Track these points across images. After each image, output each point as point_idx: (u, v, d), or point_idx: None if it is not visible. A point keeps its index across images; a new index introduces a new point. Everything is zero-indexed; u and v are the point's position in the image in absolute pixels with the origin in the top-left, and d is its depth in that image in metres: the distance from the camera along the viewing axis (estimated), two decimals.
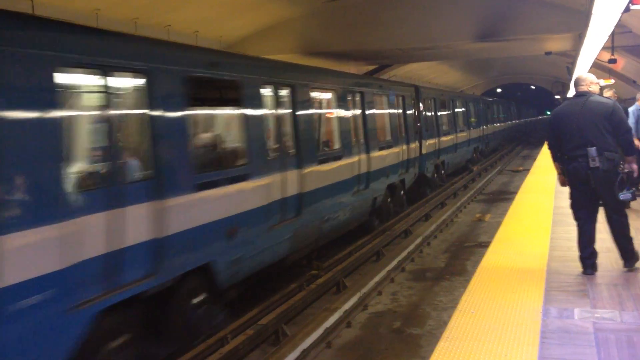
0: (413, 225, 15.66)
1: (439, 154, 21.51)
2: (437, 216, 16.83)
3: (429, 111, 20.84)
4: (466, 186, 23.63)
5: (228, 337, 7.74)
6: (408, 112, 17.98)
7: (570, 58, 22.07)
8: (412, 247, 13.01)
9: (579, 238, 7.04)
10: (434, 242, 14.40)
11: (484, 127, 33.75)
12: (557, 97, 53.66)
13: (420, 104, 19.58)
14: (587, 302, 6.03)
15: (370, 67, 25.81)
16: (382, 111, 15.78)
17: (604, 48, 14.32)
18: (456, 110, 26.04)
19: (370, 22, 17.29)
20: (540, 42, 19.74)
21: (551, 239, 8.77)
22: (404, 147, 16.96)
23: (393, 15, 17.16)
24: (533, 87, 68.23)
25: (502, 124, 43.43)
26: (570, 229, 9.21)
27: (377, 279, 10.59)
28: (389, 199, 15.70)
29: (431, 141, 20.21)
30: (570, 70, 23.00)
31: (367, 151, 13.74)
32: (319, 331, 8.06)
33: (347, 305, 9.07)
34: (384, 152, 14.94)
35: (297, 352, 7.41)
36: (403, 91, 18.17)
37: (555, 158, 7.27)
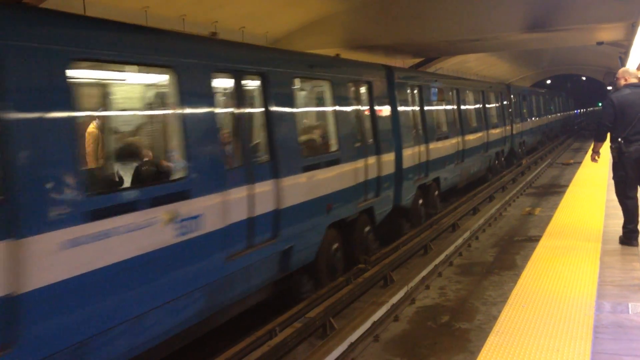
0: (461, 219, 15.51)
1: (522, 135, 29.37)
2: (486, 210, 16.62)
3: (515, 102, 28.05)
4: (515, 179, 23.27)
5: (276, 329, 7.80)
6: (505, 102, 25.57)
7: (623, 48, 21.47)
8: (460, 241, 12.89)
9: (629, 215, 7.73)
10: (482, 236, 14.24)
11: (549, 116, 41.07)
12: (609, 88, 52.40)
13: (512, 97, 27.10)
14: None
15: (417, 60, 25.59)
16: (492, 104, 23.45)
17: None
18: (532, 101, 33.07)
19: (416, 15, 17.13)
20: (591, 32, 19.24)
21: (604, 232, 8.58)
22: (504, 128, 24.84)
23: (439, 7, 16.97)
24: (584, 78, 66.63)
25: (560, 114, 49.12)
26: None
27: (424, 273, 10.53)
28: (496, 162, 23.77)
29: (517, 125, 27.89)
30: (623, 61, 22.39)
31: (488, 129, 21.66)
32: (367, 324, 8.06)
33: (394, 299, 9.06)
34: (494, 131, 22.67)
35: (344, 345, 7.43)
36: (501, 89, 25.84)
37: (603, 139, 7.98)
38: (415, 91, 14.76)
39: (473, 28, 17.30)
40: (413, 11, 17.07)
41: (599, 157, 8.24)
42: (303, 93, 10.61)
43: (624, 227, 7.84)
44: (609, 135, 7.90)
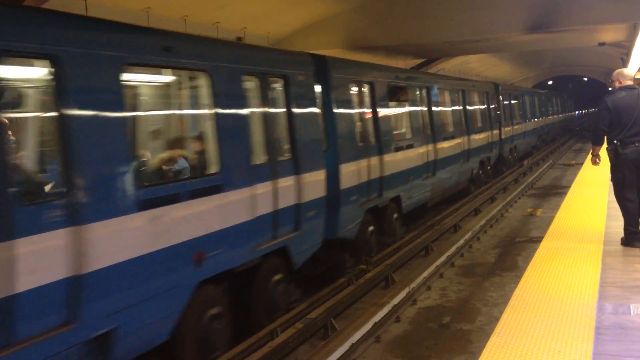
0: (462, 220, 15.49)
1: (513, 140, 26.45)
2: (487, 211, 16.60)
3: (506, 103, 25.24)
4: (516, 180, 23.25)
5: (278, 330, 7.80)
6: (491, 105, 22.60)
7: (624, 49, 21.50)
8: (461, 242, 12.87)
9: (629, 217, 7.75)
10: (483, 237, 14.23)
11: (546, 118, 38.72)
12: (611, 89, 52.39)
13: (500, 98, 24.04)
14: None
15: (418, 61, 25.61)
16: (475, 105, 20.54)
17: None
18: (525, 102, 30.49)
19: (418, 16, 17.16)
20: (593, 33, 19.27)
21: (606, 233, 8.57)
22: (490, 132, 21.90)
23: (441, 8, 16.99)
24: (585, 79, 66.61)
25: (559, 115, 47.80)
26: None
27: (425, 274, 10.52)
28: (480, 172, 20.87)
29: (507, 129, 24.94)
30: (624, 62, 22.41)
31: (469, 134, 18.78)
32: (368, 325, 8.06)
33: (395, 300, 9.05)
34: (477, 136, 19.83)
35: (345, 346, 7.42)
36: (487, 88, 22.89)
37: (601, 142, 8.11)
38: (365, 89, 11.86)
39: (474, 29, 17.31)
40: (414, 12, 17.09)
41: (599, 159, 8.31)
42: (148, 89, 7.54)
43: (625, 228, 7.84)
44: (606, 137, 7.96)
